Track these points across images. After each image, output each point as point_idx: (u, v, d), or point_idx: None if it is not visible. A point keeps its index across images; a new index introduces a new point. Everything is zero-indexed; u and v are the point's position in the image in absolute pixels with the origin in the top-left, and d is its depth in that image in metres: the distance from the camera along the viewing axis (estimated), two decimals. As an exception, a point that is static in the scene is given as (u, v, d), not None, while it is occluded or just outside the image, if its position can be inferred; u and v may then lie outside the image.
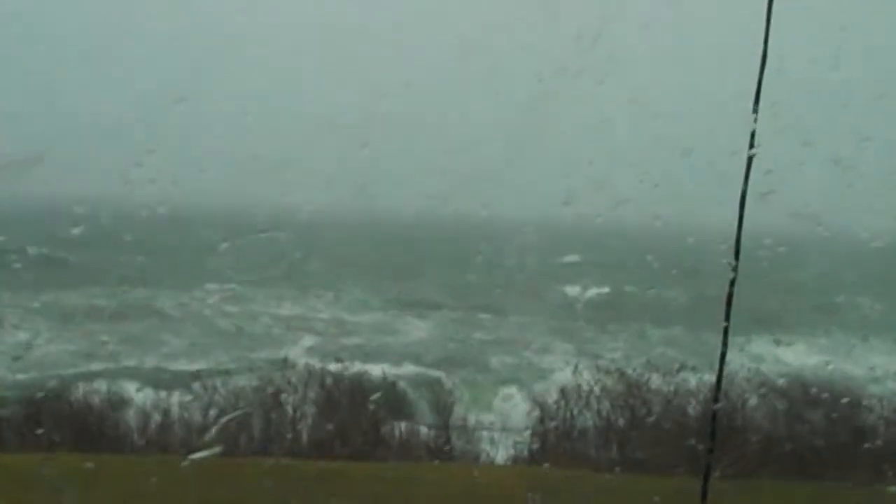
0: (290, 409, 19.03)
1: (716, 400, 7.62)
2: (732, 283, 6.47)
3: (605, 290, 53.60)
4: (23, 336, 36.81)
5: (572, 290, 54.76)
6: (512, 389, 23.07)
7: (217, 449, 14.43)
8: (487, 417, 19.28)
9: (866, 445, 16.11)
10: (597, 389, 18.61)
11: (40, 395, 19.03)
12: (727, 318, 6.45)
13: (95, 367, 29.27)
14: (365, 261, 65.69)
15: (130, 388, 21.53)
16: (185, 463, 11.10)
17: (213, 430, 17.82)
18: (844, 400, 17.36)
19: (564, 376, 21.10)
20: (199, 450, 15.20)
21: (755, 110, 6.02)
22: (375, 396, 18.97)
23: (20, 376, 26.61)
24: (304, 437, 18.75)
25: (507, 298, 50.07)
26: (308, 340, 37.28)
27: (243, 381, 20.01)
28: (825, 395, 17.44)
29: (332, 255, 67.63)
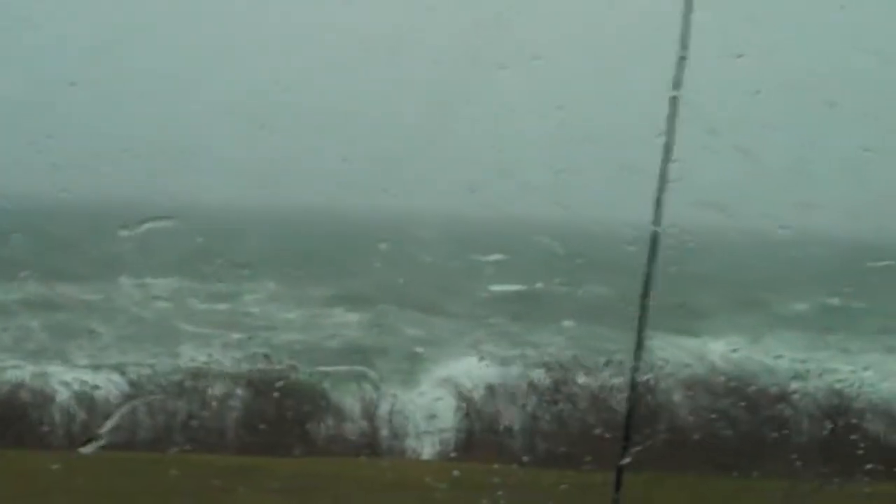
0: (213, 406, 18.94)
1: (631, 393, 7.69)
2: (647, 275, 6.53)
3: (522, 286, 53.61)
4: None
5: (495, 287, 54.78)
6: (439, 385, 23.08)
7: (101, 442, 14.36)
8: (414, 413, 19.25)
9: (779, 437, 16.33)
10: (524, 385, 18.70)
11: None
12: (642, 310, 6.51)
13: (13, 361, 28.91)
14: (280, 254, 65.30)
15: (54, 383, 21.25)
16: (78, 455, 11.03)
17: (111, 422, 17.74)
18: (755, 391, 17.60)
19: (493, 372, 21.18)
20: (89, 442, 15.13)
21: (672, 98, 6.08)
22: (280, 385, 18.91)
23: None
24: (228, 433, 18.68)
25: (431, 294, 50.11)
26: (233, 336, 37.08)
27: (167, 378, 19.87)
28: (738, 386, 17.67)
29: (243, 249, 67.18)
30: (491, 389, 19.28)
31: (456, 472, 16.14)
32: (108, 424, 18.28)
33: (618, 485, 6.36)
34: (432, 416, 19.28)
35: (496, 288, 52.45)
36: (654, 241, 6.53)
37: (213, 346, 31.47)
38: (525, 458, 17.11)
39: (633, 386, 7.54)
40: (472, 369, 21.65)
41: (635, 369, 6.86)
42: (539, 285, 53.10)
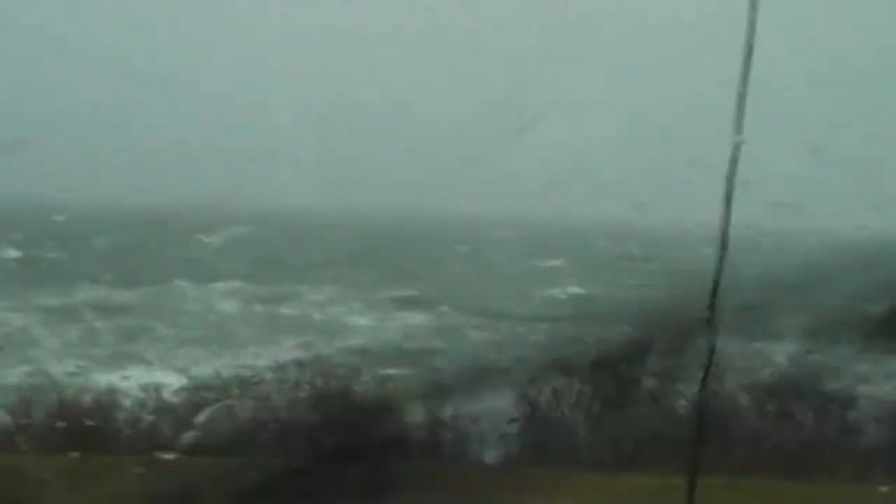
0: (277, 411, 18.98)
1: (702, 396, 7.57)
2: (716, 278, 6.41)
3: (583, 290, 53.43)
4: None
5: (554, 292, 54.67)
6: (502, 388, 22.98)
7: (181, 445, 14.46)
8: (478, 418, 19.17)
9: (855, 443, 16.11)
10: (588, 388, 18.55)
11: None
12: (711, 311, 6.39)
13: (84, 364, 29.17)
14: (351, 257, 65.48)
15: (126, 386, 21.39)
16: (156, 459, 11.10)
17: (189, 428, 17.88)
18: (833, 396, 17.36)
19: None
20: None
21: (740, 97, 5.96)
22: (342, 389, 18.96)
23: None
24: (290, 439, 18.68)
25: (496, 299, 49.97)
26: (299, 339, 37.18)
27: (231, 383, 19.94)
28: (812, 391, 17.43)
29: (316, 251, 67.50)
30: (556, 394, 19.15)
31: (525, 478, 16.11)
32: (186, 431, 18.43)
33: (690, 490, 6.25)
34: (496, 421, 19.19)
35: (570, 290, 52.37)
36: (724, 242, 6.41)
37: (279, 350, 31.73)
38: (594, 463, 17.04)
39: (704, 390, 7.42)
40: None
41: (705, 373, 6.75)
42: (609, 288, 53.08)
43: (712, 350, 6.62)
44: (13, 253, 62.32)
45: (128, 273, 53.16)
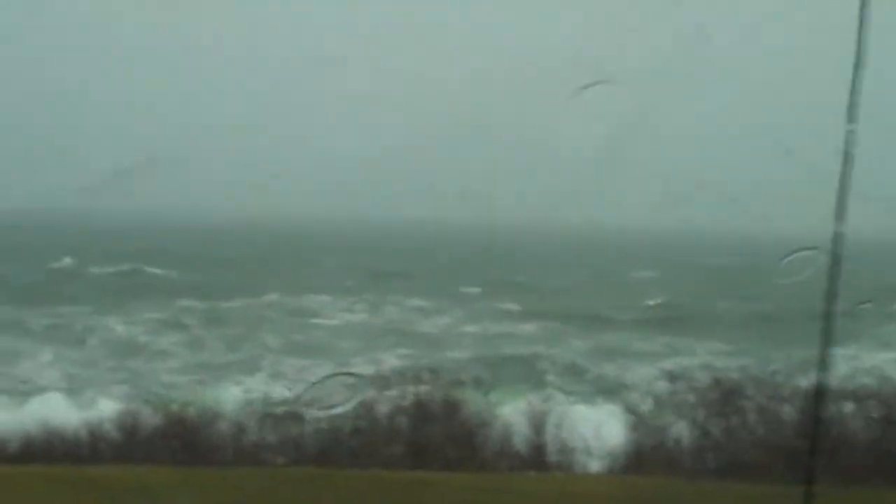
0: (384, 421, 19.07)
1: (817, 405, 7.49)
2: (832, 286, 6.38)
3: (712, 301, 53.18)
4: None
5: (650, 301, 54.51)
6: (608, 399, 22.97)
7: None
8: (583, 426, 19.14)
9: None
10: (691, 398, 18.44)
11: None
12: (828, 321, 6.36)
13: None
14: (459, 266, 65.71)
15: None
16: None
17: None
18: None
19: (660, 385, 20.97)
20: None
21: (851, 111, 5.94)
22: (446, 398, 19.02)
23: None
24: (399, 448, 18.78)
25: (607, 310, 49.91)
26: (406, 349, 37.38)
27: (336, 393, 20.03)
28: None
29: (427, 262, 67.78)
30: (659, 403, 19.07)
31: (624, 487, 16.05)
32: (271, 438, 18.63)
33: (807, 499, 6.21)
34: (600, 430, 19.16)
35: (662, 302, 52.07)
36: (836, 253, 6.38)
37: (383, 360, 31.96)
38: (702, 472, 16.93)
39: (819, 399, 7.36)
40: (640, 382, 21.44)
41: (820, 382, 6.69)
42: (727, 300, 52.77)
43: (826, 358, 6.58)
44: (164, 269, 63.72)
45: (237, 284, 54.09)
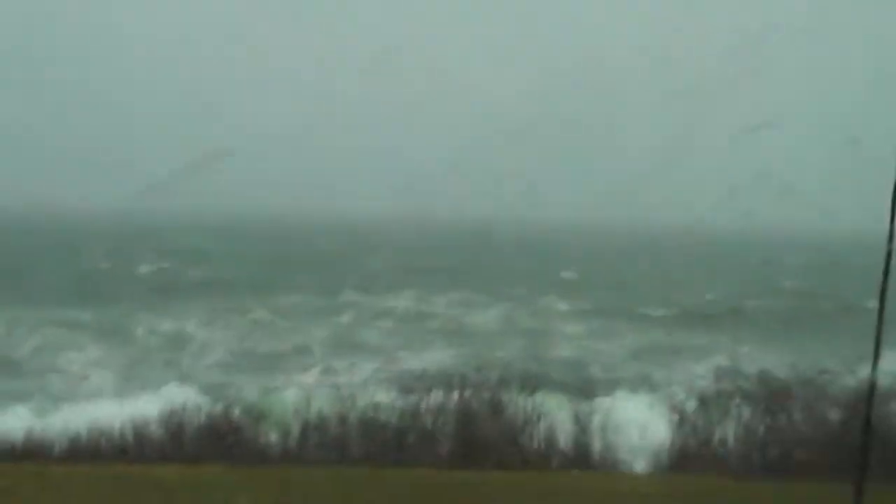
0: (429, 421, 19.10)
1: (869, 403, 7.45)
2: (883, 287, 6.36)
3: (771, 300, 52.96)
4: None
5: (709, 296, 54.21)
6: (653, 397, 22.89)
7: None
8: (627, 425, 19.11)
9: None
10: (737, 396, 18.36)
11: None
12: (879, 319, 6.34)
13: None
14: (543, 266, 65.70)
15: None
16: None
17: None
18: None
19: (704, 383, 20.91)
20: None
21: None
22: (492, 397, 19.06)
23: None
24: (446, 448, 18.80)
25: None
26: (454, 349, 37.47)
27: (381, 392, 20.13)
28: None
29: (495, 264, 67.80)
30: (703, 401, 18.97)
31: (671, 485, 16.03)
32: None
33: (858, 496, 6.20)
34: (644, 429, 19.14)
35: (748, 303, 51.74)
36: (890, 251, 6.36)
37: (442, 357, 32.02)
38: (737, 470, 16.88)
39: (870, 399, 7.34)
40: (687, 379, 21.37)
41: (872, 382, 6.69)
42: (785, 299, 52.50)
43: (877, 355, 6.56)
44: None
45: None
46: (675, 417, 18.78)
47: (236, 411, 19.26)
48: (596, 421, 18.81)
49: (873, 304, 6.59)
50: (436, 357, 33.75)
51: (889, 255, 6.12)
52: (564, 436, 18.77)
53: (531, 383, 19.95)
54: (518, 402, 19.28)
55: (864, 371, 17.36)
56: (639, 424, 19.21)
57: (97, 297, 50.70)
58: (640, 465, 18.40)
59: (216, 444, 18.20)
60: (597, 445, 18.67)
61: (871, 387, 6.82)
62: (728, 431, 18.15)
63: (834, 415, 17.55)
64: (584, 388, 20.29)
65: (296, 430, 18.91)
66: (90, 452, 17.60)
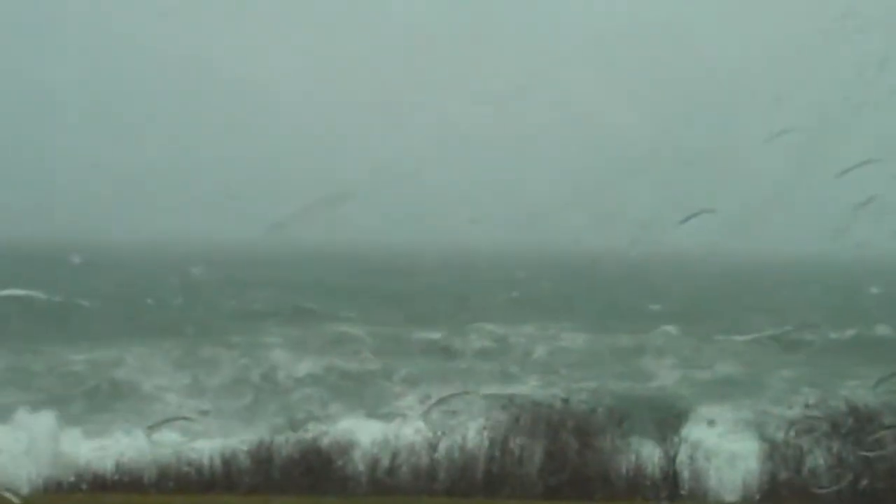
0: (517, 449, 19.07)
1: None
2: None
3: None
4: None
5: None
6: (743, 427, 22.60)
7: None
8: (715, 454, 18.91)
9: None
10: (825, 425, 18.06)
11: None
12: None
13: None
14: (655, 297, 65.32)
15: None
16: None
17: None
18: None
19: (791, 412, 20.63)
20: None
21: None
22: (578, 427, 18.98)
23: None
24: (531, 476, 18.75)
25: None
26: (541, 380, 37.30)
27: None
28: None
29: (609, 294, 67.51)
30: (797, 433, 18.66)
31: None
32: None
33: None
34: (734, 458, 18.93)
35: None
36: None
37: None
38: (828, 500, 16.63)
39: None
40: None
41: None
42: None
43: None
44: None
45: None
46: (765, 446, 18.56)
47: (325, 441, 19.36)
48: (684, 450, 18.66)
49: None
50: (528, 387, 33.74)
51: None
52: (652, 465, 18.64)
53: (620, 413, 19.85)
54: (608, 433, 19.21)
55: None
56: (728, 453, 19.05)
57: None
58: (731, 495, 18.23)
59: (304, 475, 18.33)
60: (684, 474, 18.52)
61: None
62: (818, 461, 17.89)
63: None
64: (673, 417, 20.02)
65: (385, 460, 18.98)
66: (177, 481, 17.87)
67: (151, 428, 23.00)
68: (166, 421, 25.94)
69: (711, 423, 21.53)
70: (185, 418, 26.26)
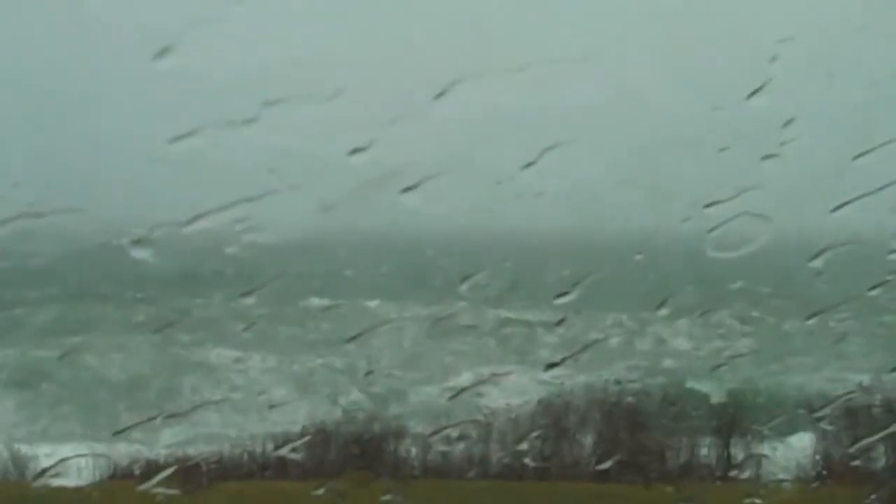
0: (570, 431, 19.08)
1: None
2: None
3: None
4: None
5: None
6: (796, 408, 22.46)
7: None
8: (769, 436, 18.80)
9: None
10: (879, 404, 17.96)
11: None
12: None
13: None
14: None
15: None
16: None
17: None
18: None
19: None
20: None
21: None
22: (632, 410, 18.93)
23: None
24: (584, 459, 18.74)
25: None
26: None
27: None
28: None
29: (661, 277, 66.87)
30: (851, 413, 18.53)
31: (815, 497, 15.77)
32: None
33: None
34: (787, 437, 18.86)
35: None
36: None
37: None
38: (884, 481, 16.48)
39: None
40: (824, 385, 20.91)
41: None
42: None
43: None
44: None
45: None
46: (818, 428, 18.45)
47: (376, 426, 19.43)
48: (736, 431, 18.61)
49: None
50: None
51: None
52: (705, 447, 18.60)
53: (673, 396, 19.84)
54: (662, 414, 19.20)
55: None
56: (782, 433, 18.95)
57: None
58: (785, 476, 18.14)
59: (357, 458, 18.36)
60: (738, 454, 18.47)
61: None
62: (873, 443, 17.76)
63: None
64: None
65: (437, 441, 18.98)
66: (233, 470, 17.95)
67: (118, 434, 23.07)
68: (135, 425, 25.93)
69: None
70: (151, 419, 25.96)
